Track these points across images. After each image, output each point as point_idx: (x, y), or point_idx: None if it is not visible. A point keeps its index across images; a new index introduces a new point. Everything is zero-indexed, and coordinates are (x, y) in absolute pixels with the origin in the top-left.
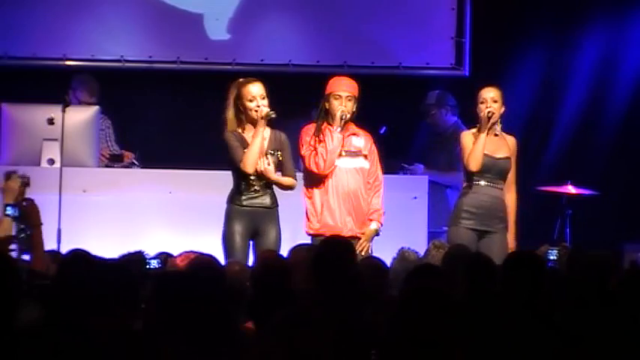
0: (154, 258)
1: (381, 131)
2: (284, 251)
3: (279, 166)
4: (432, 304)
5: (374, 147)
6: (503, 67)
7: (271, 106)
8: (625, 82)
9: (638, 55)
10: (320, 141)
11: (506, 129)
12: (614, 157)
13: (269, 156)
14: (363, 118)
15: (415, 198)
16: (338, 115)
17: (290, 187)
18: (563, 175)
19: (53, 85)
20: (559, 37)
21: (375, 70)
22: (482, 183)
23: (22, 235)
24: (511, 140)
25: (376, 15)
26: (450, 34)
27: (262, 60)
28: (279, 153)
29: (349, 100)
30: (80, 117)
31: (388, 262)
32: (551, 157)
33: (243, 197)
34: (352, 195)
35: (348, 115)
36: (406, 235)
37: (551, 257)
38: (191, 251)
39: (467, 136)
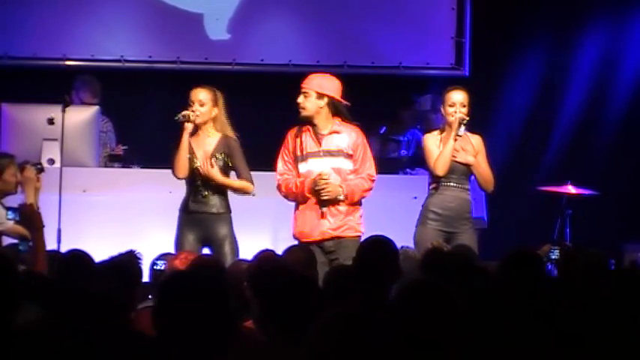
0: (159, 259)
1: (381, 131)
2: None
3: (227, 170)
4: (430, 301)
5: (362, 142)
6: (503, 67)
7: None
8: (625, 82)
9: (638, 55)
10: (301, 148)
11: (507, 129)
12: (614, 157)
13: (214, 159)
14: (363, 117)
15: (415, 198)
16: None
17: (245, 191)
18: (563, 175)
19: (53, 85)
20: (559, 37)
21: (375, 70)
22: (448, 184)
23: (22, 246)
24: (476, 139)
25: (376, 15)
26: (450, 34)
27: (262, 60)
28: (225, 157)
29: (306, 96)
30: (80, 117)
31: None
32: (551, 157)
33: (192, 204)
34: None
35: (304, 112)
36: (406, 235)
37: (553, 257)
38: (188, 252)
39: (430, 140)
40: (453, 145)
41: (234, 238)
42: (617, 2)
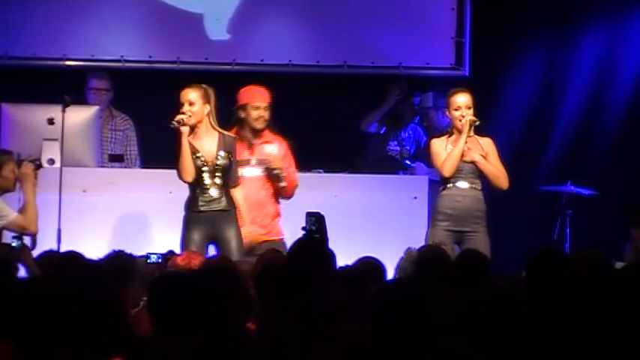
0: (154, 253)
1: (381, 131)
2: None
3: (230, 168)
4: (405, 303)
5: (287, 153)
6: (503, 67)
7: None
8: (625, 82)
9: (638, 55)
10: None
11: (508, 129)
12: (614, 157)
13: (219, 158)
14: (363, 117)
15: (415, 198)
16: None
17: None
18: (563, 175)
19: (53, 85)
20: (559, 37)
21: (375, 70)
22: (457, 184)
23: (15, 244)
24: (485, 141)
25: (376, 15)
26: (450, 34)
27: (262, 60)
28: (229, 155)
29: (266, 109)
30: (80, 117)
31: (388, 261)
32: (551, 157)
33: (200, 203)
34: (258, 204)
35: (265, 124)
36: (406, 235)
37: None
38: (191, 251)
39: (437, 144)
40: (463, 147)
41: (240, 235)
42: (617, 2)
